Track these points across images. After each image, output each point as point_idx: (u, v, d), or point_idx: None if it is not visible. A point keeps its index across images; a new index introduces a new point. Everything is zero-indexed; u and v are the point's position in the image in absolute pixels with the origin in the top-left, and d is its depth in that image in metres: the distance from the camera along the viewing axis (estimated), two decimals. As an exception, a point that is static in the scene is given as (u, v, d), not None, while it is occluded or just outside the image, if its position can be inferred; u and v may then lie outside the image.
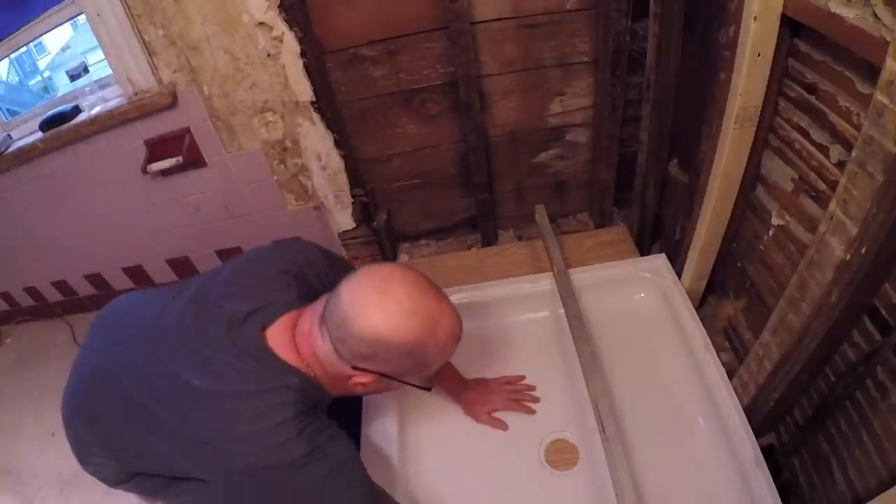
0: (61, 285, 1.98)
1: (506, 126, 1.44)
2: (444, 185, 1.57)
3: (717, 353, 0.99)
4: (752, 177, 0.95)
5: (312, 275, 0.82)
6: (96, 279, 1.93)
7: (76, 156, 1.49)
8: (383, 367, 0.70)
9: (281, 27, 1.22)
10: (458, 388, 1.04)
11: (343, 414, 0.78)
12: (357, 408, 1.02)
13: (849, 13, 0.59)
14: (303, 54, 1.26)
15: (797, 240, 0.86)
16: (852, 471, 0.76)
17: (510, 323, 1.18)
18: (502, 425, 1.02)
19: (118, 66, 1.32)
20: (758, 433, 0.88)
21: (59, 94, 1.68)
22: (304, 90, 1.32)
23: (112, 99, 1.43)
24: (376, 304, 0.66)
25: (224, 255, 1.79)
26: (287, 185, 1.55)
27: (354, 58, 1.30)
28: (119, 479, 0.83)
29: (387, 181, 1.56)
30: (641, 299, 1.18)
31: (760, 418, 0.90)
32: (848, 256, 0.62)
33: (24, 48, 1.55)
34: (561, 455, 0.97)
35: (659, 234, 1.41)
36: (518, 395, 1.05)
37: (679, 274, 1.14)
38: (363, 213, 1.59)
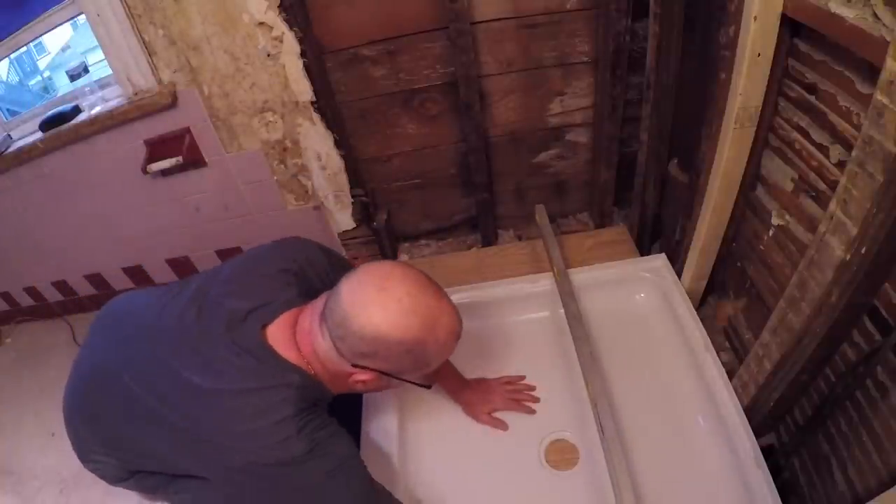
0: (61, 285, 1.98)
1: (506, 126, 1.44)
2: (444, 185, 1.57)
3: (717, 353, 0.99)
4: (752, 177, 0.95)
5: (313, 273, 0.83)
6: (96, 279, 1.93)
7: (76, 156, 1.49)
8: (383, 365, 0.70)
9: (281, 27, 1.22)
10: (459, 387, 1.04)
11: (343, 412, 0.78)
12: (357, 406, 1.02)
13: (849, 13, 0.59)
14: (303, 54, 1.26)
15: (797, 240, 0.86)
16: (852, 471, 0.76)
17: (510, 323, 1.18)
18: (502, 425, 1.02)
19: (118, 66, 1.32)
20: (758, 433, 0.88)
21: (59, 94, 1.68)
22: (304, 90, 1.32)
23: (112, 99, 1.43)
24: (376, 301, 0.66)
25: (224, 254, 1.79)
26: (287, 185, 1.55)
27: (354, 58, 1.30)
28: (119, 476, 0.84)
29: (387, 181, 1.56)
30: (641, 299, 1.18)
31: (760, 418, 0.90)
32: (848, 256, 0.62)
33: (24, 48, 1.55)
34: (561, 455, 0.97)
35: (659, 234, 1.41)
36: (518, 394, 1.05)
37: (679, 274, 1.14)
38: (363, 213, 1.59)
